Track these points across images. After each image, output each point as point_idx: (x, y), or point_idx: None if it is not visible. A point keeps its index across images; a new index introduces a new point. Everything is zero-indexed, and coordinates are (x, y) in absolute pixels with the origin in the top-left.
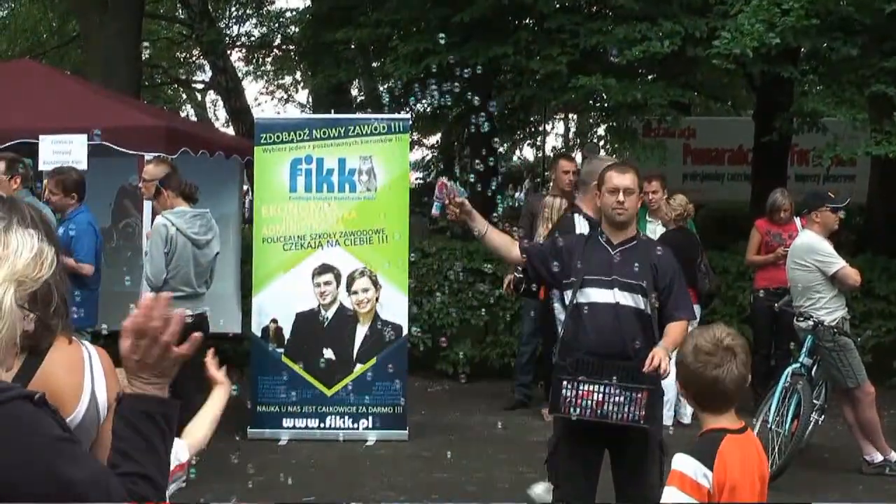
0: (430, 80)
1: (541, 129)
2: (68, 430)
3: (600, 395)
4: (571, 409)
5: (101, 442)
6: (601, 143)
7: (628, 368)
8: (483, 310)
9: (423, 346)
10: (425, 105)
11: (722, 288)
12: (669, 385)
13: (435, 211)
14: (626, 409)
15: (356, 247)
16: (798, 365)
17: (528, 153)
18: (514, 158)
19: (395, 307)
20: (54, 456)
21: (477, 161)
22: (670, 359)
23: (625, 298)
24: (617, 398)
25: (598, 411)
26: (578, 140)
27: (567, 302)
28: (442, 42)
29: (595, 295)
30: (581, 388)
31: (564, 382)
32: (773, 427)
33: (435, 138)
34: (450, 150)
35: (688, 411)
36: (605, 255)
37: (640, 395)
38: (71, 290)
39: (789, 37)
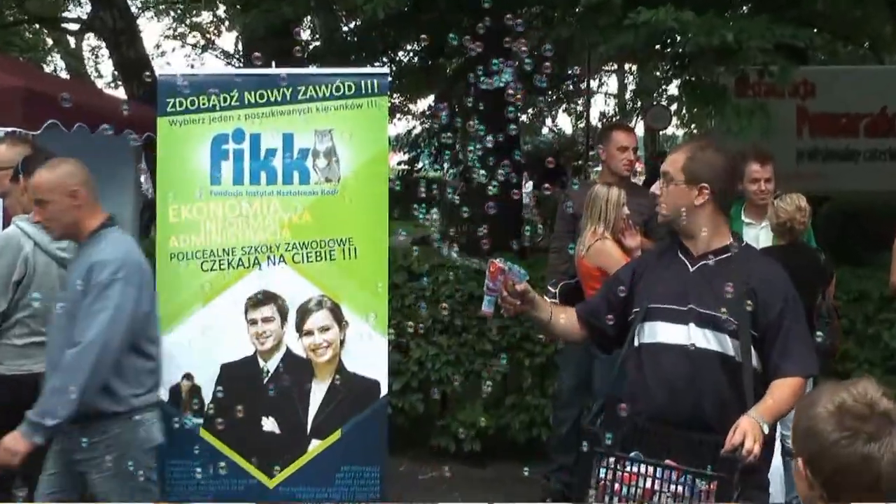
0: (418, 14)
1: (583, 86)
2: None
3: (652, 481)
4: (608, 500)
5: None
6: (672, 106)
7: (700, 444)
8: (500, 356)
9: (411, 413)
10: (411, 54)
11: (857, 323)
12: (775, 471)
13: (487, 308)
14: None
15: (311, 265)
16: None
17: (565, 123)
18: (545, 131)
19: (368, 354)
20: None
21: (487, 136)
22: (768, 433)
23: (704, 338)
24: (675, 486)
25: None
26: (639, 103)
27: (628, 344)
28: None
29: (662, 332)
30: (626, 468)
31: (602, 458)
32: None
33: (426, 103)
34: (448, 120)
35: None
36: (679, 274)
37: (707, 487)
38: None
39: None
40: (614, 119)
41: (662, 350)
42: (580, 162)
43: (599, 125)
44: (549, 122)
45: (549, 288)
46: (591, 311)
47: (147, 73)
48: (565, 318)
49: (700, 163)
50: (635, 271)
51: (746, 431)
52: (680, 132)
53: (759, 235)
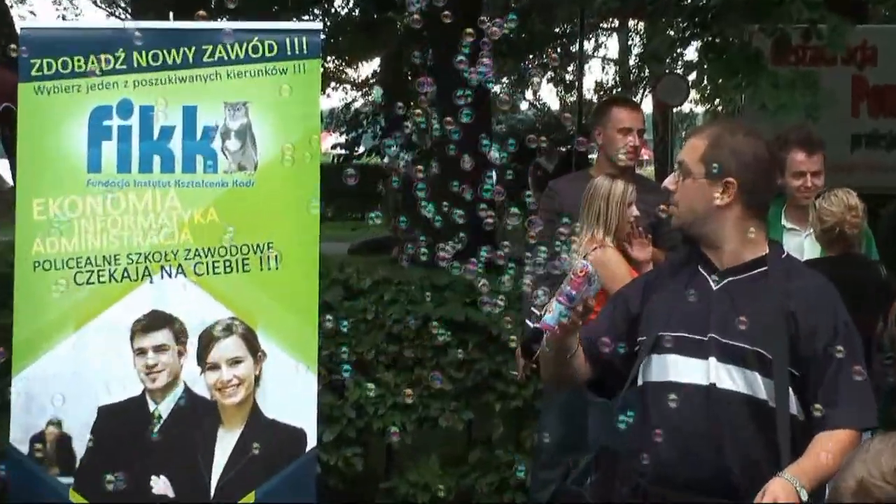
0: None
1: (574, 49)
2: None
3: None
4: None
5: None
6: (690, 76)
7: None
8: (463, 400)
9: (347, 471)
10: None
11: None
12: None
13: (551, 322)
14: None
15: (217, 278)
16: None
17: (549, 96)
18: (524, 106)
19: (292, 395)
20: None
21: (446, 119)
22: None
23: (729, 376)
24: None
25: None
26: (647, 71)
27: (629, 382)
28: None
29: (674, 368)
30: None
31: None
32: None
33: (370, 68)
34: (397, 92)
35: None
36: (698, 294)
37: None
38: None
39: None
40: (614, 92)
41: (674, 391)
42: (569, 147)
43: (595, 100)
44: (529, 94)
45: (534, 311)
46: (594, 339)
47: (4, 26)
48: (581, 358)
49: (726, 151)
50: (646, 288)
51: (778, 497)
52: (700, 109)
53: (803, 245)
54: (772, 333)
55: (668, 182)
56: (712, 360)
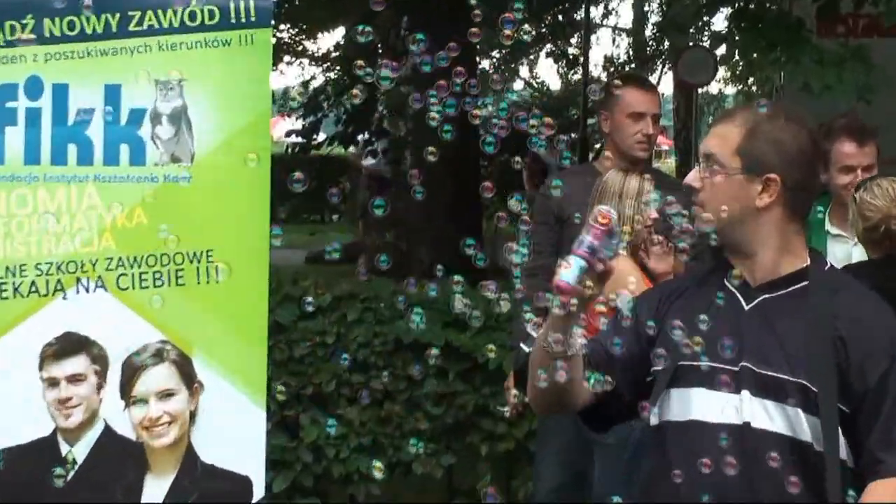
0: None
1: (579, 16)
2: None
3: None
4: None
5: None
6: (718, 50)
7: None
8: (442, 441)
9: None
10: None
11: None
12: None
13: (565, 280)
14: None
15: (146, 293)
16: None
17: (549, 73)
18: (518, 87)
19: (236, 435)
20: None
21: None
22: None
23: (766, 413)
24: None
25: None
26: (666, 44)
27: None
28: None
29: (698, 404)
30: None
31: None
32: None
33: (332, 39)
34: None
35: None
36: (727, 315)
37: None
38: None
39: None
40: (626, 69)
41: (699, 431)
42: (571, 135)
43: (604, 78)
44: (524, 71)
45: (530, 331)
46: (599, 360)
47: None
48: (581, 369)
49: (766, 141)
50: (660, 303)
51: None
52: (730, 90)
53: (852, 254)
54: (817, 361)
55: (692, 178)
56: (745, 394)
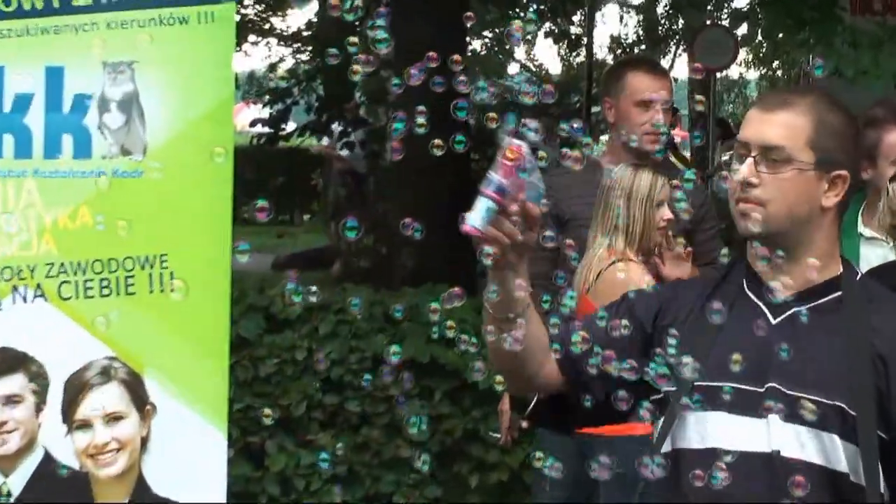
0: None
1: None
2: None
3: None
4: None
5: None
6: (739, 29)
7: None
8: (435, 469)
9: None
10: None
11: None
12: None
13: (472, 225)
14: None
15: (91, 303)
16: None
17: (548, 55)
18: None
19: (193, 464)
20: None
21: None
22: None
23: (797, 441)
24: None
25: None
26: (680, 22)
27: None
28: None
29: (720, 429)
30: None
31: None
32: None
33: (303, 17)
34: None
35: None
36: (751, 329)
37: None
38: None
39: None
40: (635, 51)
41: (721, 461)
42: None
43: (610, 60)
44: (520, 52)
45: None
46: (579, 354)
47: None
48: (542, 340)
49: (833, 134)
50: (661, 309)
51: None
52: (752, 75)
53: (887, 259)
54: (856, 382)
55: (745, 171)
56: (774, 419)
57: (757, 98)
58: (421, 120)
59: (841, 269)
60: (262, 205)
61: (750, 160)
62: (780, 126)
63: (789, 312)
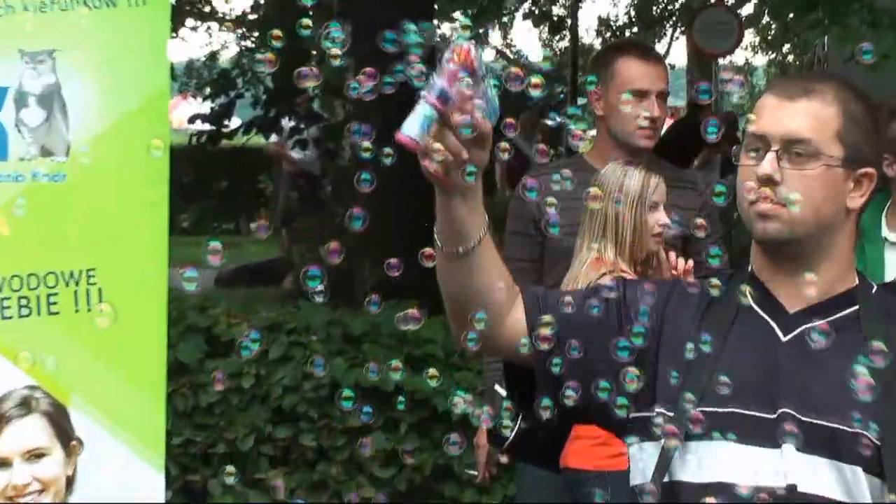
0: None
1: None
2: None
3: None
4: None
5: None
6: (744, 7)
7: None
8: None
9: None
10: None
11: None
12: None
13: (407, 135)
14: None
15: (7, 324)
16: None
17: (528, 39)
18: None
19: None
20: None
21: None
22: None
23: (814, 473)
24: None
25: None
26: (677, 2)
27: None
28: None
29: (725, 460)
30: None
31: None
32: None
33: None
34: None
35: None
36: (758, 346)
37: None
38: None
39: None
40: (626, 34)
41: (727, 496)
42: (556, 119)
43: (597, 46)
44: (495, 35)
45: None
46: (550, 303)
47: None
48: (491, 273)
49: (862, 127)
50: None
51: None
52: (759, 60)
53: None
54: (882, 407)
55: (767, 167)
56: (788, 448)
57: (770, 84)
58: (388, 150)
59: (857, 281)
60: (214, 246)
61: (772, 154)
62: (806, 116)
63: (801, 328)
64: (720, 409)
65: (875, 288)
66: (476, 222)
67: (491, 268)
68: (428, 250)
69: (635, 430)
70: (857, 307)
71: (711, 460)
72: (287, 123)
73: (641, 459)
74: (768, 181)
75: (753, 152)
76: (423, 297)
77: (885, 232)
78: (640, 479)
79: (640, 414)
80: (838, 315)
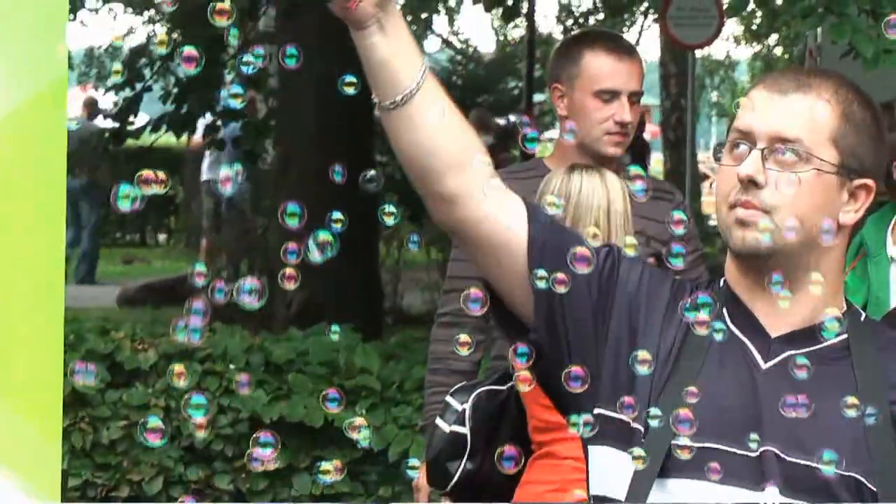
0: None
1: None
2: None
3: None
4: None
5: None
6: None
7: None
8: None
9: None
10: None
11: None
12: None
13: None
14: None
15: None
16: None
17: (479, 28)
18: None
19: None
20: None
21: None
22: None
23: None
24: None
25: None
26: None
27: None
28: None
29: (702, 501)
30: None
31: None
32: None
33: None
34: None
35: None
36: (737, 377)
37: None
38: None
39: None
40: (591, 23)
41: None
42: (512, 119)
43: (558, 36)
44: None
45: (451, 402)
46: (549, 228)
47: None
48: (457, 122)
49: (862, 131)
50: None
51: None
52: (742, 53)
53: None
54: (875, 447)
55: (750, 167)
56: (771, 491)
57: (761, 77)
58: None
59: (845, 307)
60: (200, 270)
61: (756, 154)
62: (798, 114)
63: (784, 355)
64: (697, 444)
65: (864, 316)
66: (407, 61)
67: (441, 115)
68: (289, 271)
69: (599, 430)
70: (846, 336)
71: (686, 498)
72: (202, 121)
73: (604, 466)
74: (750, 184)
75: (736, 149)
76: (354, 320)
77: (891, 251)
78: (602, 490)
79: (606, 412)
80: (823, 344)
